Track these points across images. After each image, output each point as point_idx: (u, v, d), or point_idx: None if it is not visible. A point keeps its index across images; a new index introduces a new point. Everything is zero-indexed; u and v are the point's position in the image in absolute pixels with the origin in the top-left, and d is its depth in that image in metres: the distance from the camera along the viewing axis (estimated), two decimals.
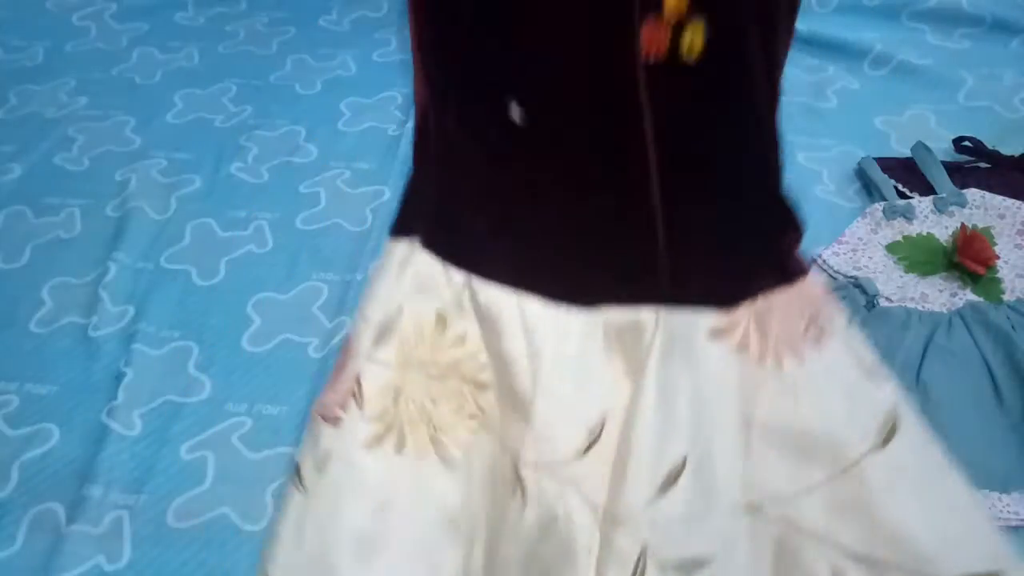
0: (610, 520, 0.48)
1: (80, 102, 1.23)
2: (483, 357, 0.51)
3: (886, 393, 0.50)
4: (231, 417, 0.79)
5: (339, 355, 0.55)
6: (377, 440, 0.51)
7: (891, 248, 0.91)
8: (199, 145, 1.14)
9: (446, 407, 0.52)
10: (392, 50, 1.33)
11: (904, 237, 0.92)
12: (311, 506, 0.51)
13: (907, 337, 0.81)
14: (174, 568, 0.68)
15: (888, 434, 0.49)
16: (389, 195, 1.03)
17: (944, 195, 0.95)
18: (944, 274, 0.88)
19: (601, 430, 0.49)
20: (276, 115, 1.19)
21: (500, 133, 0.48)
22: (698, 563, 0.48)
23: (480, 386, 0.52)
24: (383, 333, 0.53)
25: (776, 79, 0.49)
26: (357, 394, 0.52)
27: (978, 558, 0.47)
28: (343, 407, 0.52)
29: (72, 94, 1.25)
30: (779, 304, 0.50)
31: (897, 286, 0.87)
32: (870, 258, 0.90)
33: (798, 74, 1.23)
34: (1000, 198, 0.94)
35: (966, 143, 1.04)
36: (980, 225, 0.92)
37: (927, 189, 0.97)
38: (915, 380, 0.78)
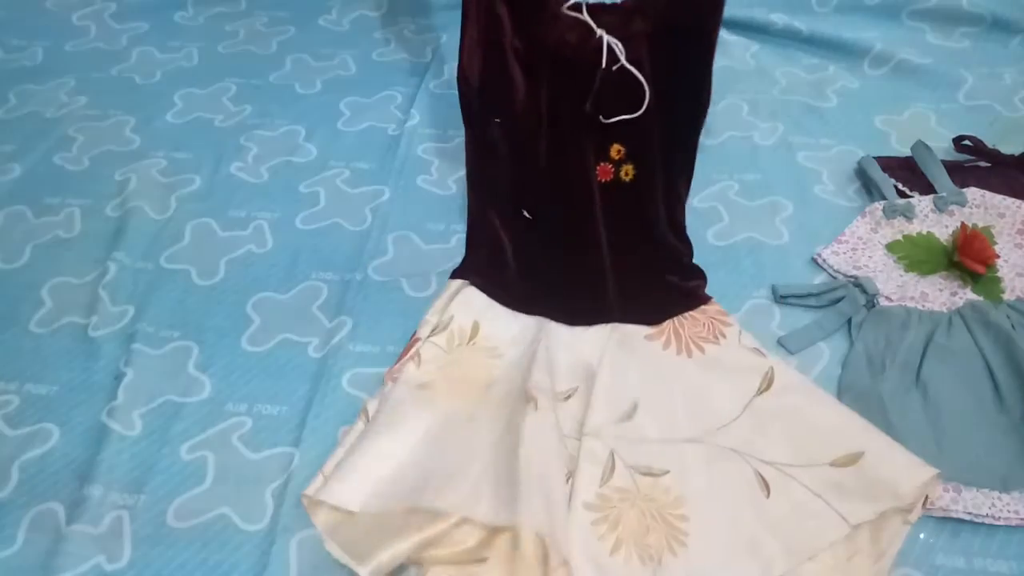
0: (584, 434, 0.73)
1: (80, 102, 1.23)
2: (501, 341, 0.82)
3: (764, 361, 0.78)
4: (231, 417, 0.80)
5: (408, 345, 0.81)
6: (428, 387, 0.77)
7: (891, 247, 0.91)
8: (199, 145, 1.14)
9: (474, 373, 0.79)
10: (392, 49, 1.33)
11: (904, 236, 0.92)
12: (369, 428, 0.74)
13: (907, 336, 0.81)
14: (174, 568, 0.69)
15: (767, 384, 0.77)
16: (389, 195, 1.03)
17: (944, 194, 0.95)
18: (944, 273, 0.88)
19: (575, 391, 0.78)
20: (276, 115, 1.19)
21: (517, 224, 0.91)
22: (659, 472, 0.72)
23: (496, 356, 0.81)
24: (438, 328, 0.82)
25: (678, 188, 0.93)
26: (416, 359, 0.79)
27: (846, 445, 0.70)
28: (402, 371, 0.78)
29: (72, 94, 1.25)
30: (688, 320, 0.83)
31: (897, 285, 0.87)
32: (870, 257, 0.90)
33: (798, 73, 1.23)
34: (1000, 197, 0.94)
35: (966, 142, 1.04)
36: (980, 224, 0.92)
37: (927, 188, 0.97)
38: (915, 379, 0.78)
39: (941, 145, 1.05)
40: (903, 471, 0.68)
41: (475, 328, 0.82)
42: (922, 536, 0.68)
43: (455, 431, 0.74)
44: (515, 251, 0.89)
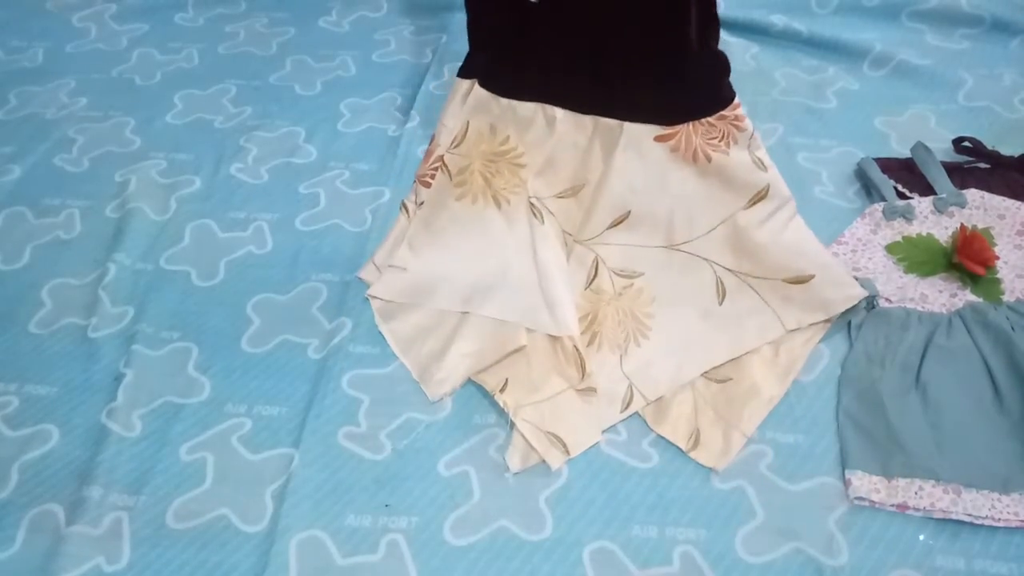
0: (577, 241, 0.85)
1: (80, 103, 1.23)
2: (520, 150, 0.87)
3: (763, 176, 0.84)
4: (231, 418, 0.80)
5: (429, 144, 0.90)
6: (461, 195, 0.87)
7: (891, 248, 0.91)
8: (199, 146, 1.14)
9: (500, 180, 0.87)
10: (392, 51, 1.33)
11: (904, 237, 0.92)
12: (413, 223, 0.88)
13: (907, 337, 0.81)
14: (174, 569, 0.68)
15: (756, 200, 0.83)
16: (389, 196, 1.03)
17: (944, 195, 0.95)
18: (944, 274, 0.88)
19: (580, 188, 0.86)
20: (276, 116, 1.19)
21: (522, 12, 0.84)
22: (635, 274, 0.84)
23: (519, 166, 0.87)
24: (457, 138, 0.87)
25: None
26: (445, 170, 0.87)
27: (801, 268, 0.82)
28: (432, 176, 0.87)
29: (72, 95, 1.25)
30: (704, 127, 0.84)
31: (897, 286, 0.87)
32: (870, 259, 0.90)
33: (798, 74, 1.23)
34: (1000, 198, 0.94)
35: (966, 143, 1.04)
36: (980, 225, 0.92)
37: (927, 189, 0.97)
38: (915, 380, 0.78)
39: (941, 146, 1.05)
40: (839, 292, 0.82)
41: (492, 130, 0.86)
42: (922, 538, 0.69)
43: (489, 236, 0.86)
44: (518, 40, 0.86)
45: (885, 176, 0.99)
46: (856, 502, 0.71)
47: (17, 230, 1.02)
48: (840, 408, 0.78)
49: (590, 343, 0.80)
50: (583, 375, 0.77)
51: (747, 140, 0.85)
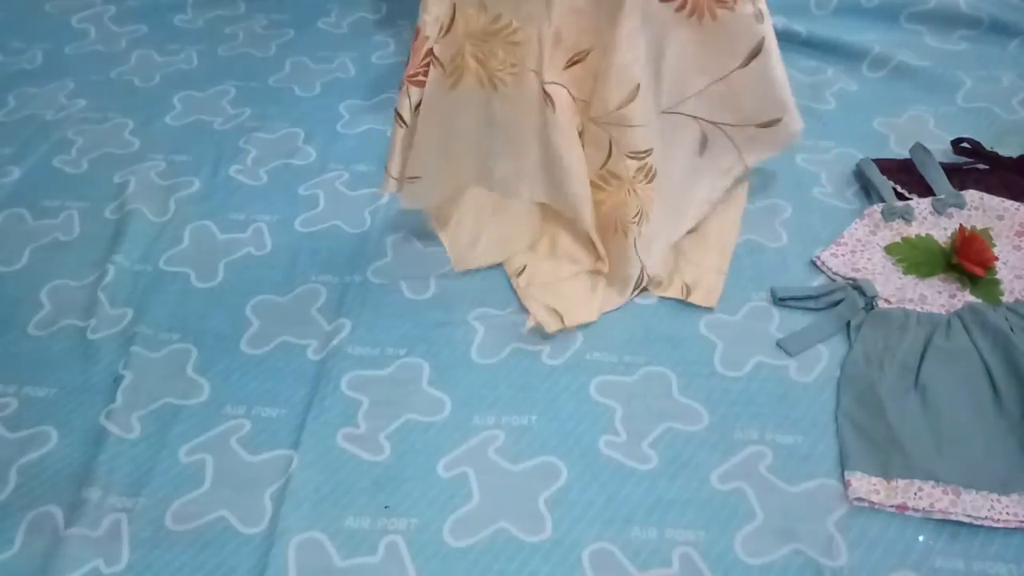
0: (590, 120, 0.83)
1: (79, 104, 1.23)
2: (515, 25, 0.79)
3: (759, 29, 0.83)
4: (230, 420, 0.79)
5: (413, 42, 0.81)
6: (456, 82, 0.82)
7: (890, 249, 0.91)
8: (198, 147, 1.14)
9: (494, 60, 0.81)
10: (391, 52, 1.34)
11: (903, 238, 0.92)
12: (414, 133, 0.83)
13: (906, 338, 0.81)
14: (173, 571, 0.68)
15: (751, 57, 0.85)
16: (388, 197, 1.03)
17: (943, 196, 0.95)
18: (943, 275, 0.88)
19: (587, 54, 0.82)
20: (275, 117, 1.19)
21: None
22: (644, 153, 0.83)
23: (514, 44, 0.80)
24: (444, 26, 0.80)
25: None
26: (436, 62, 0.81)
27: (772, 112, 0.89)
28: (425, 74, 0.81)
29: (71, 96, 1.25)
30: None
31: (896, 287, 0.87)
32: (869, 259, 0.90)
33: (797, 76, 1.23)
34: (998, 199, 0.94)
35: (964, 144, 1.04)
36: (979, 226, 0.92)
37: (926, 190, 0.97)
38: (914, 381, 0.78)
39: (939, 147, 1.05)
40: (789, 134, 0.92)
41: (481, 7, 0.79)
42: (921, 539, 0.69)
43: (492, 123, 0.84)
44: None
45: (884, 177, 0.99)
46: (855, 503, 0.71)
47: (16, 232, 1.01)
48: (839, 409, 0.78)
49: (613, 231, 0.87)
50: (597, 259, 0.89)
51: None
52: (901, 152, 1.05)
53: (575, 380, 0.82)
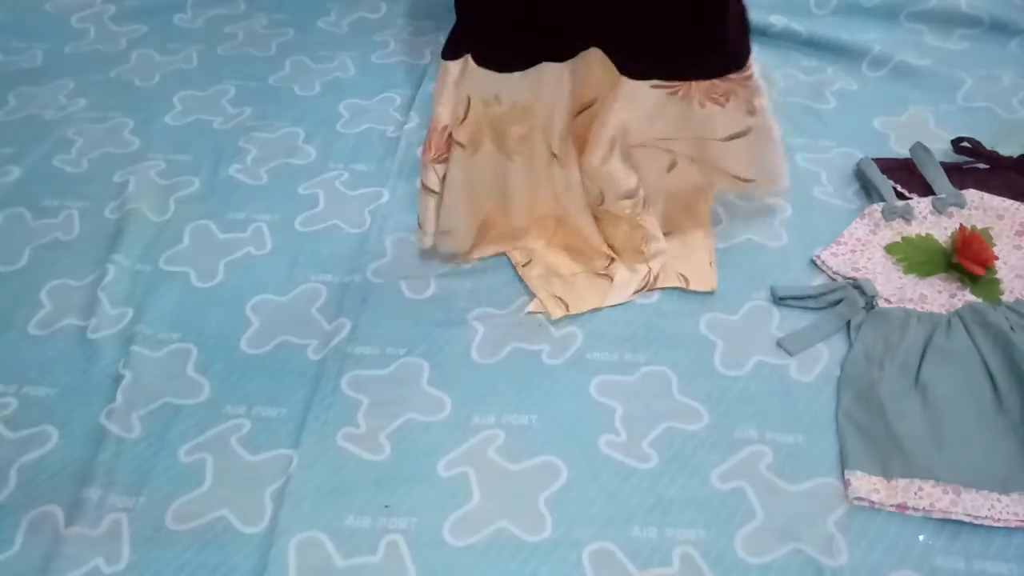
0: (584, 173, 0.88)
1: (79, 104, 1.23)
2: (528, 106, 0.84)
3: (749, 121, 0.84)
4: (230, 419, 0.79)
5: (426, 139, 0.85)
6: (475, 151, 0.86)
7: (890, 249, 0.91)
8: (198, 147, 1.14)
9: (509, 138, 0.86)
10: (391, 52, 1.33)
11: (903, 238, 0.92)
12: (441, 197, 0.88)
13: (906, 338, 0.81)
14: (173, 570, 0.68)
15: (733, 137, 0.85)
16: (388, 197, 1.03)
17: (943, 196, 0.95)
18: (943, 275, 0.88)
19: (592, 102, 0.86)
20: (275, 117, 1.19)
21: None
22: (631, 194, 0.88)
23: (528, 117, 0.84)
24: (460, 116, 0.84)
25: None
26: (456, 144, 0.85)
27: (750, 172, 0.91)
28: (448, 152, 0.85)
29: (71, 96, 1.25)
30: (707, 84, 0.81)
31: (896, 287, 0.87)
32: (869, 259, 0.90)
33: (797, 75, 1.23)
34: (999, 199, 0.94)
35: (964, 144, 1.04)
36: (979, 226, 0.92)
37: (926, 190, 0.97)
38: (914, 381, 0.78)
39: (940, 147, 1.05)
40: (764, 185, 0.94)
41: (497, 100, 0.83)
42: (921, 538, 0.69)
43: (510, 181, 0.90)
44: (510, 5, 0.79)
45: (884, 176, 0.99)
46: (856, 502, 0.71)
47: (16, 231, 1.01)
48: (839, 408, 0.78)
49: (613, 262, 0.92)
50: (608, 263, 0.93)
51: (747, 96, 0.83)
52: (901, 151, 1.05)
53: (575, 380, 0.82)
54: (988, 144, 1.03)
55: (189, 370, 0.84)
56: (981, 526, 0.69)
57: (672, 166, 0.92)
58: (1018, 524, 0.68)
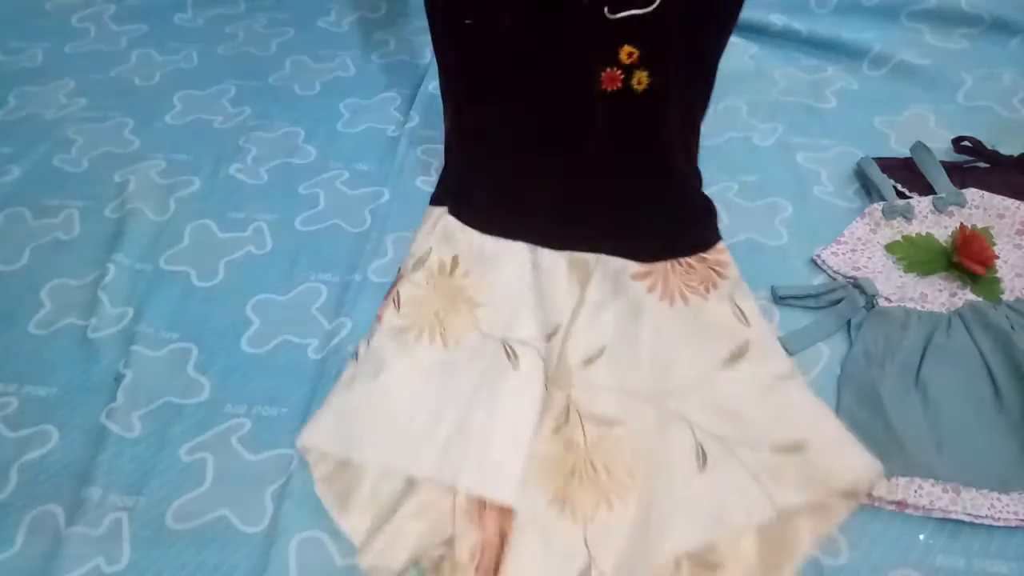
0: (549, 383, 0.73)
1: (79, 103, 1.23)
2: (482, 286, 0.78)
3: (743, 331, 0.75)
4: (230, 419, 0.79)
5: (395, 281, 0.82)
6: (403, 332, 0.77)
7: (890, 248, 0.91)
8: (198, 146, 1.14)
9: (453, 319, 0.77)
10: (391, 51, 1.33)
11: (903, 237, 0.92)
12: (359, 368, 0.75)
13: (906, 337, 0.81)
14: (174, 570, 0.68)
15: (737, 355, 0.73)
16: (388, 196, 1.03)
17: (943, 195, 0.95)
18: (943, 274, 0.88)
19: (557, 327, 0.76)
20: (275, 116, 1.19)
21: (503, 134, 0.81)
22: (609, 422, 0.71)
23: (475, 305, 0.78)
24: (418, 264, 0.80)
25: (695, 108, 0.84)
26: (396, 301, 0.79)
27: (791, 434, 0.68)
28: (384, 313, 0.78)
29: (71, 95, 1.25)
30: (682, 267, 0.79)
31: (896, 286, 0.87)
32: (869, 258, 0.90)
33: (797, 74, 1.23)
34: (999, 198, 0.94)
35: (965, 143, 1.04)
36: (979, 225, 0.92)
37: (926, 189, 0.97)
38: (914, 380, 0.78)
39: (940, 146, 1.05)
40: (842, 464, 0.67)
41: (454, 263, 0.78)
42: (922, 537, 0.69)
43: (430, 383, 0.73)
44: (494, 170, 0.81)
45: (885, 176, 0.99)
46: None
47: (16, 231, 1.01)
48: (840, 408, 0.78)
49: (550, 504, 0.67)
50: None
51: (730, 289, 0.78)
52: (902, 150, 1.05)
53: None
54: (989, 143, 1.03)
55: (189, 369, 0.84)
56: (981, 525, 0.69)
57: (702, 458, 0.68)
58: (1018, 523, 0.68)
